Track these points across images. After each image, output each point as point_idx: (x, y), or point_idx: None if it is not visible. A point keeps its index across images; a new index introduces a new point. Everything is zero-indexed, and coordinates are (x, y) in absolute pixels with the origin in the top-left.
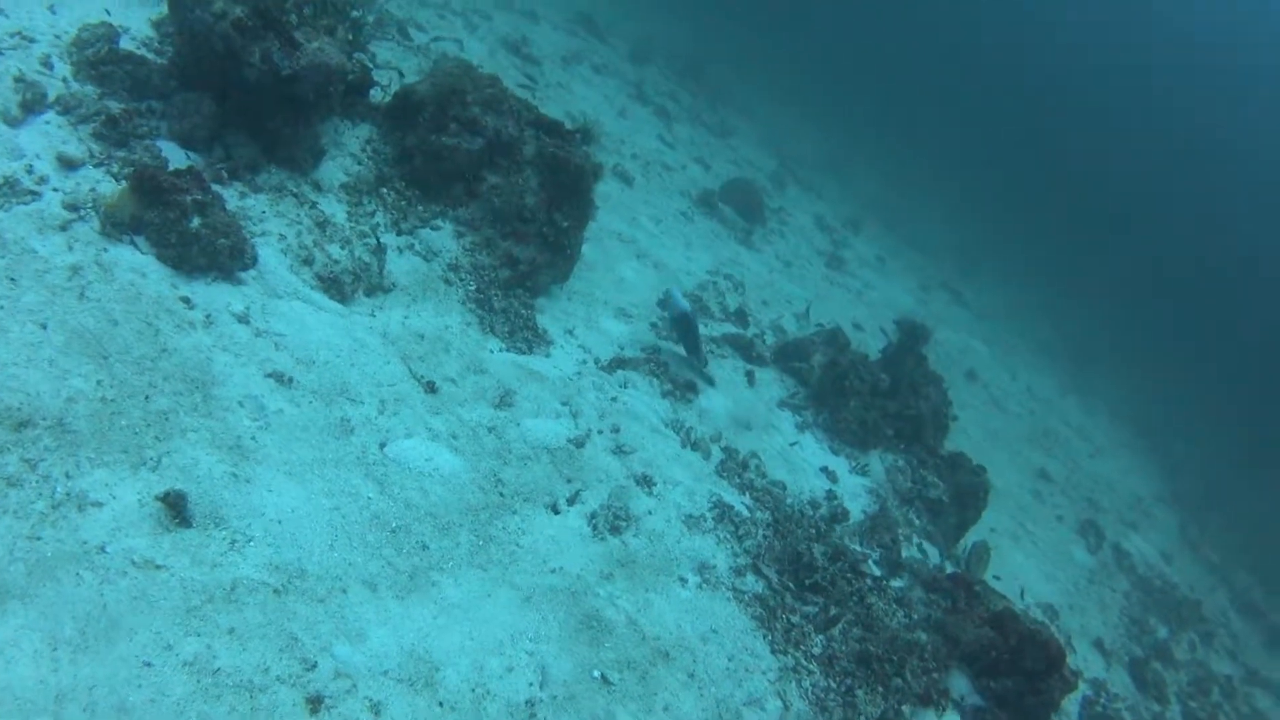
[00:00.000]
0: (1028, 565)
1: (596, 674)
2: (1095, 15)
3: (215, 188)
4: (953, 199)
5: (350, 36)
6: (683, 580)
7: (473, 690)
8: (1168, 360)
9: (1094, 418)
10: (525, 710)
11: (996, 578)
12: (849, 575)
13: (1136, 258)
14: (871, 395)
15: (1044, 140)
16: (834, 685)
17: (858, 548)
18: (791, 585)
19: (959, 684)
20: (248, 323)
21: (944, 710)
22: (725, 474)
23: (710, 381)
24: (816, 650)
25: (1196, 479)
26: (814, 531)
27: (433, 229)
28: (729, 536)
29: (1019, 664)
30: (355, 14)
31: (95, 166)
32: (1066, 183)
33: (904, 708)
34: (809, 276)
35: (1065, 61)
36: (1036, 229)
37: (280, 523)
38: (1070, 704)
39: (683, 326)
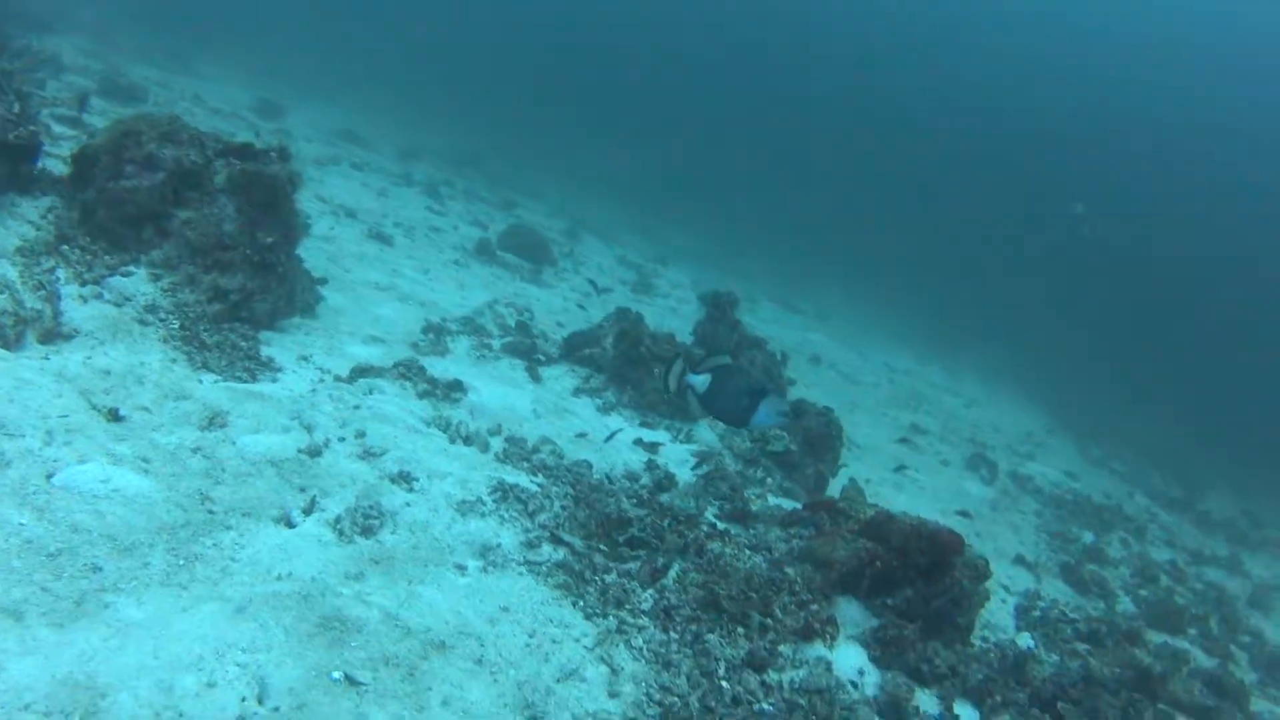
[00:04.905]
0: (917, 506)
1: (337, 675)
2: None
3: None
4: (770, 232)
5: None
6: (460, 568)
7: (156, 715)
8: (1030, 334)
9: (962, 381)
10: None
11: None
12: (680, 528)
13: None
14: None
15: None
16: (675, 636)
17: (691, 506)
18: (603, 546)
19: (849, 610)
20: None
21: (834, 641)
22: (509, 460)
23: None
24: (646, 605)
25: (1081, 413)
26: (634, 501)
27: (123, 275)
28: (517, 514)
29: (911, 567)
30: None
31: None
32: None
33: (781, 647)
34: (612, 303)
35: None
36: (864, 242)
37: None
38: (1003, 616)
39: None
